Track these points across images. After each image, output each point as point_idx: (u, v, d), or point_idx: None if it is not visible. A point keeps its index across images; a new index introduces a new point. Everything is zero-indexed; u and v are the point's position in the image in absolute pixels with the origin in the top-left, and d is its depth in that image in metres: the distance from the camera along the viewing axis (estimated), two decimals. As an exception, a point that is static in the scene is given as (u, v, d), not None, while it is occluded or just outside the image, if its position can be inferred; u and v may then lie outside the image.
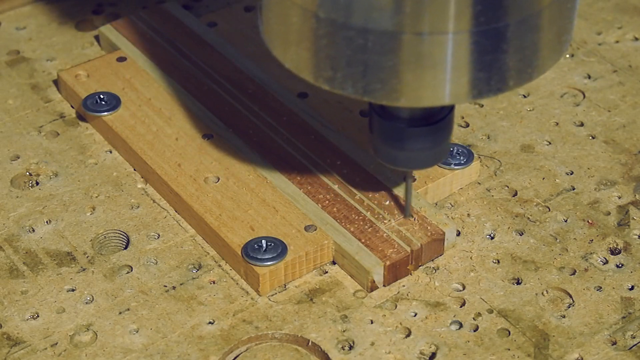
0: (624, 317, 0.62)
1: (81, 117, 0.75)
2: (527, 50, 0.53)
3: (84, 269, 0.65)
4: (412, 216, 0.65)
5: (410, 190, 0.64)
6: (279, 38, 0.55)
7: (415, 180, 0.68)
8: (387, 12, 0.50)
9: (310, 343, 0.60)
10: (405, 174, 0.64)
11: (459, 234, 0.67)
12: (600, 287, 0.63)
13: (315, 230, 0.64)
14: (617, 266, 0.65)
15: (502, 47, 0.52)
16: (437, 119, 0.59)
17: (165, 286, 0.64)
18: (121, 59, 0.77)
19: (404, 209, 0.65)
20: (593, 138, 0.74)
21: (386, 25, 0.51)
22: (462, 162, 0.69)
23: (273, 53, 0.56)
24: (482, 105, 0.76)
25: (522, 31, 0.52)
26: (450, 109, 0.59)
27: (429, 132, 0.59)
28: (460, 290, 0.63)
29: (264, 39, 0.57)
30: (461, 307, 0.62)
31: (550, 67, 0.55)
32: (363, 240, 0.63)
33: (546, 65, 0.55)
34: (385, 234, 0.64)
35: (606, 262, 0.65)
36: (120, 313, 0.62)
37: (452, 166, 0.69)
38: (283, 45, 0.55)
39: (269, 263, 0.62)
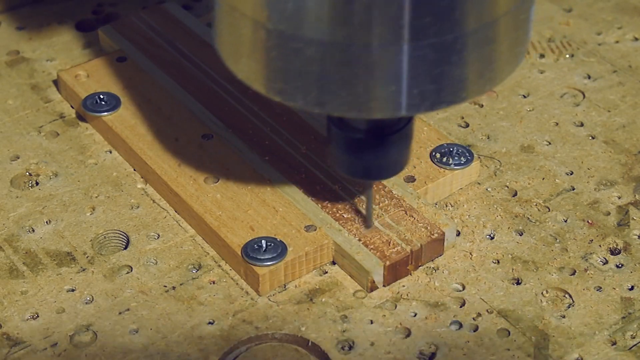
0: (624, 317, 0.62)
1: (81, 117, 0.75)
2: (480, 62, 0.52)
3: (83, 269, 0.65)
4: (373, 225, 0.64)
5: (370, 200, 0.64)
6: (231, 49, 0.55)
7: (415, 180, 0.68)
8: (335, 23, 0.50)
9: (310, 343, 0.60)
10: (365, 184, 0.63)
11: (459, 234, 0.67)
12: (600, 287, 0.63)
13: (315, 230, 0.64)
14: (617, 266, 0.65)
15: (454, 59, 0.51)
16: (395, 130, 0.58)
17: (165, 286, 0.64)
18: (121, 59, 0.77)
19: (366, 219, 0.64)
20: (593, 138, 0.74)
21: (335, 37, 0.50)
22: (462, 162, 0.69)
23: (226, 64, 0.56)
24: (482, 105, 0.76)
25: (474, 43, 0.51)
26: (408, 120, 0.58)
27: (387, 143, 0.58)
28: (460, 290, 0.63)
29: (217, 49, 0.56)
30: (461, 307, 0.62)
31: (504, 78, 0.54)
32: (363, 241, 0.63)
33: (500, 77, 0.54)
34: (385, 234, 0.64)
35: (606, 262, 0.65)
36: (120, 313, 0.62)
37: (452, 166, 0.69)
38: (234, 56, 0.55)
39: (268, 263, 0.62)
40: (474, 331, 0.61)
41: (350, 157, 0.59)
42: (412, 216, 0.65)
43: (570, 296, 0.63)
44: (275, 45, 0.52)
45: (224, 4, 0.53)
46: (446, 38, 0.50)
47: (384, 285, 0.63)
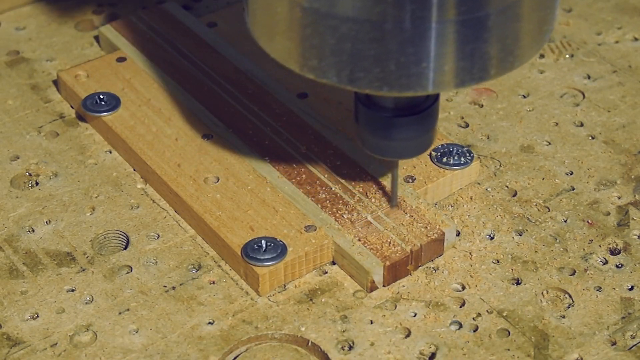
0: (623, 318, 0.62)
1: (81, 118, 0.75)
2: (509, 39, 0.54)
3: (83, 269, 0.65)
4: (398, 206, 0.65)
5: (396, 179, 0.64)
6: (265, 28, 0.56)
7: (414, 180, 0.68)
8: (369, 1, 0.51)
9: (310, 343, 0.60)
10: (391, 163, 0.64)
11: (458, 234, 0.67)
12: (600, 287, 0.63)
13: (315, 230, 0.64)
14: (617, 266, 0.65)
15: (484, 36, 0.53)
16: (423, 108, 0.59)
17: (165, 286, 0.64)
18: (121, 59, 0.77)
19: (391, 198, 0.65)
20: (593, 138, 0.74)
21: (369, 14, 0.51)
22: (462, 162, 0.69)
23: (259, 44, 0.57)
24: (482, 106, 0.76)
25: (504, 20, 0.53)
26: (435, 98, 0.60)
27: (414, 122, 0.59)
28: (460, 291, 0.63)
29: (250, 30, 0.57)
30: (461, 307, 0.62)
31: (531, 57, 0.56)
32: (363, 241, 0.63)
33: (527, 55, 0.55)
34: (385, 234, 0.64)
35: (606, 263, 0.65)
36: (120, 313, 0.62)
37: (452, 166, 0.69)
38: (269, 35, 0.56)
39: (268, 263, 0.62)
40: (474, 331, 0.61)
41: (377, 136, 0.60)
42: (412, 216, 0.65)
43: (570, 296, 0.63)
44: (310, 23, 0.53)
45: None
46: (477, 15, 0.52)
47: (383, 286, 0.63)
